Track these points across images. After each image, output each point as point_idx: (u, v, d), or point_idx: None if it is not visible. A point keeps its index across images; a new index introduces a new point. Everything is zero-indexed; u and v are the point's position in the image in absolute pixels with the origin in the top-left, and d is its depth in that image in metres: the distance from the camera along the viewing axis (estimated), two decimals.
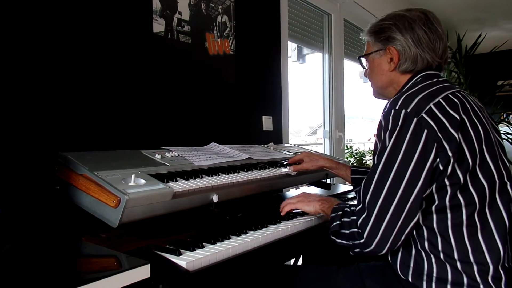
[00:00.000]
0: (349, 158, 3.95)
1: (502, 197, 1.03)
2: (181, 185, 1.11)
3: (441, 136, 0.97)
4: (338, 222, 1.08)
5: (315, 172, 1.65)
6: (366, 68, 1.32)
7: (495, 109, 4.76)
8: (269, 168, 1.50)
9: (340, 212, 1.09)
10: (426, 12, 1.19)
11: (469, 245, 0.99)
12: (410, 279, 1.04)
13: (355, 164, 3.90)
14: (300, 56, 3.16)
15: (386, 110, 1.04)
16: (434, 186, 0.99)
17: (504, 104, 4.93)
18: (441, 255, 1.00)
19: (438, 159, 0.97)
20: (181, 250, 0.94)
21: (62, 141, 1.27)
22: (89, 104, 1.36)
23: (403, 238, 0.99)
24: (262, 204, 1.48)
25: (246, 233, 1.12)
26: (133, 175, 1.04)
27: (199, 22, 1.78)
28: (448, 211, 1.00)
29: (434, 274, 1.01)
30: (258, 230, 1.16)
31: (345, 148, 3.52)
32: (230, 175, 1.30)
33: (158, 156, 1.29)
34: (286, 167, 1.57)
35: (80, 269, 0.83)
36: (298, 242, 1.25)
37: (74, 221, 1.11)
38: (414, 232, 1.04)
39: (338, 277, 1.16)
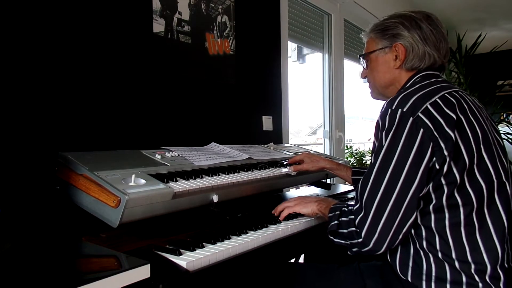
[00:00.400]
0: (349, 158, 3.95)
1: (500, 197, 1.02)
2: (181, 185, 1.11)
3: (437, 135, 0.97)
4: (336, 222, 1.08)
5: (317, 172, 1.65)
6: (366, 67, 1.31)
7: (495, 109, 4.76)
8: (269, 168, 1.50)
9: (338, 212, 1.10)
10: (429, 14, 1.20)
11: (467, 244, 0.99)
12: (409, 279, 1.04)
13: (355, 164, 3.90)
14: (300, 56, 3.16)
15: (383, 109, 1.05)
16: (431, 185, 1.00)
17: (504, 104, 4.93)
18: (439, 254, 1.00)
19: (434, 158, 0.97)
20: (181, 250, 0.94)
21: (62, 141, 1.27)
22: (89, 104, 1.36)
23: (400, 237, 0.99)
24: (262, 204, 1.48)
25: (246, 233, 1.12)
26: (133, 175, 1.04)
27: (199, 22, 1.78)
28: (446, 211, 1.00)
29: (433, 274, 1.01)
30: (258, 230, 1.16)
31: (345, 148, 3.52)
32: (230, 175, 1.30)
33: (158, 156, 1.29)
34: (286, 167, 1.57)
35: (80, 269, 0.83)
36: (298, 242, 1.25)
37: (74, 221, 1.10)
38: (413, 232, 1.04)
39: (339, 276, 1.16)
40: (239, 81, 2.00)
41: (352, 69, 3.42)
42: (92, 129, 1.36)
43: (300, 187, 2.08)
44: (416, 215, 1.01)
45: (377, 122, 1.05)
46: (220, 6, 1.90)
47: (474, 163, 1.00)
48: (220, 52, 1.89)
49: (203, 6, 1.80)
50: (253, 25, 2.13)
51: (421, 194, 0.99)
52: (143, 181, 1.04)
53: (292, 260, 1.77)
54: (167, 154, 1.33)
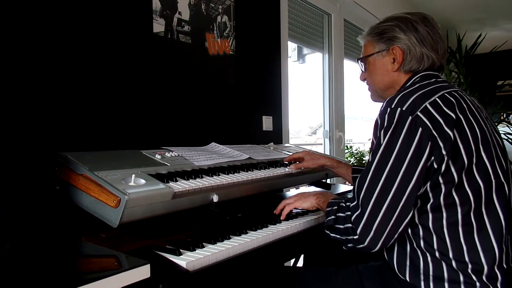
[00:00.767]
0: (349, 158, 3.95)
1: (499, 197, 1.02)
2: (181, 185, 1.11)
3: (436, 135, 0.97)
4: (333, 217, 1.09)
5: (315, 171, 1.65)
6: (364, 70, 1.31)
7: (495, 109, 4.76)
8: (269, 168, 1.50)
9: (336, 207, 1.10)
10: (426, 15, 1.20)
11: (464, 244, 0.99)
12: (408, 279, 1.04)
13: (355, 164, 3.90)
14: (300, 56, 3.16)
15: (382, 108, 1.05)
16: (428, 184, 1.00)
17: (504, 104, 4.93)
18: (437, 254, 1.00)
19: (432, 157, 0.97)
20: (181, 250, 0.94)
21: (62, 141, 1.27)
22: (89, 104, 1.36)
23: (396, 235, 0.99)
24: (262, 204, 1.48)
25: (246, 233, 1.12)
26: (133, 175, 1.04)
27: (199, 22, 1.78)
28: (443, 210, 1.00)
29: (431, 273, 1.01)
30: (258, 230, 1.16)
31: (345, 148, 3.52)
32: (230, 175, 1.30)
33: (158, 156, 1.29)
34: (286, 167, 1.57)
35: (80, 269, 0.83)
36: (298, 242, 1.25)
37: (74, 221, 1.10)
38: (410, 231, 1.04)
39: (337, 279, 1.17)
40: (239, 81, 2.00)
41: (352, 69, 3.42)
42: (92, 129, 1.36)
43: (300, 187, 2.08)
44: (413, 214, 1.01)
45: (376, 120, 1.06)
46: (220, 6, 1.90)
47: (473, 162, 1.00)
48: (220, 52, 1.89)
49: (203, 6, 1.80)
50: (253, 25, 2.13)
51: (418, 193, 0.99)
52: (143, 181, 1.04)
53: (292, 261, 1.78)
54: (167, 154, 1.33)
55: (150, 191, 1.01)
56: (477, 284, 0.98)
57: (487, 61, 5.03)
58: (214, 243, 1.02)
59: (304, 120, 4.01)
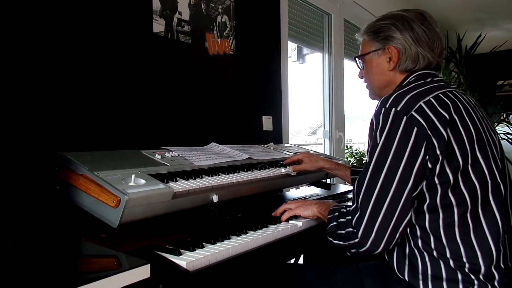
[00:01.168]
0: (349, 158, 3.95)
1: (495, 197, 1.02)
2: (181, 185, 1.11)
3: (430, 134, 0.97)
4: (334, 223, 1.09)
5: (316, 172, 1.65)
6: (362, 68, 1.31)
7: (495, 109, 4.76)
8: (269, 168, 1.50)
9: (337, 213, 1.10)
10: (422, 13, 1.19)
11: (461, 245, 0.99)
12: (406, 278, 1.04)
13: (355, 164, 3.90)
14: (300, 56, 3.16)
15: (377, 108, 1.05)
16: (424, 184, 0.99)
17: (504, 104, 4.93)
18: (434, 253, 1.00)
19: (427, 157, 0.97)
20: (181, 250, 0.94)
21: (62, 141, 1.27)
22: (89, 104, 1.36)
23: (397, 236, 0.99)
24: (262, 204, 1.48)
25: (246, 233, 1.12)
26: (133, 175, 1.04)
27: (199, 22, 1.78)
28: (440, 211, 1.00)
29: (429, 272, 1.01)
30: (258, 230, 1.16)
31: (345, 148, 3.52)
32: (230, 175, 1.30)
33: (158, 156, 1.29)
34: (286, 167, 1.57)
35: (80, 269, 0.83)
36: (298, 242, 1.25)
37: (74, 221, 1.11)
38: (408, 231, 1.04)
39: (337, 277, 1.17)
40: (239, 81, 2.00)
41: (352, 69, 3.42)
42: (92, 129, 1.36)
43: (300, 187, 2.08)
44: (411, 215, 1.01)
45: (371, 121, 1.05)
46: (220, 6, 1.90)
47: (468, 163, 1.00)
48: (220, 52, 1.89)
49: (203, 6, 1.80)
50: (253, 25, 2.13)
51: (415, 194, 0.99)
52: (143, 181, 1.04)
53: (292, 261, 1.78)
54: (167, 154, 1.33)
55: (150, 191, 1.01)
56: (475, 282, 0.98)
57: (487, 61, 5.03)
58: (214, 243, 1.02)
59: (304, 120, 4.00)
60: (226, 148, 1.61)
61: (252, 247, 1.06)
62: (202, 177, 1.21)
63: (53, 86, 1.26)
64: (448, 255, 0.99)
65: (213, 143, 1.66)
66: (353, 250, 1.05)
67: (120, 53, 1.46)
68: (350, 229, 1.02)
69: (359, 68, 1.33)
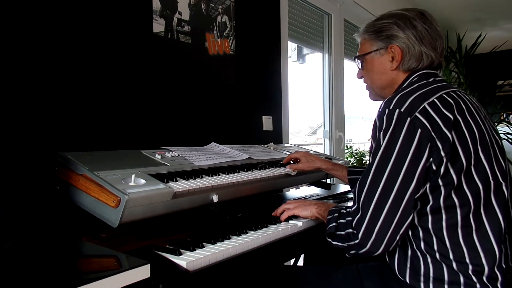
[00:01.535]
0: (349, 158, 3.95)
1: (497, 198, 1.02)
2: (181, 185, 1.11)
3: (434, 136, 0.96)
4: (334, 224, 1.08)
5: (314, 172, 1.65)
6: (361, 69, 1.30)
7: (495, 109, 4.77)
8: (269, 168, 1.50)
9: (336, 214, 1.09)
10: (423, 12, 1.19)
11: (464, 245, 0.99)
12: (408, 281, 1.04)
13: (355, 164, 3.90)
14: (300, 56, 3.16)
15: (380, 109, 1.04)
16: (428, 186, 0.99)
17: (504, 104, 4.94)
18: (437, 255, 1.00)
19: (431, 159, 0.97)
20: (181, 250, 0.94)
21: (62, 141, 1.27)
22: (89, 104, 1.36)
23: (398, 238, 0.98)
24: (262, 204, 1.48)
25: (246, 233, 1.12)
26: (133, 175, 1.04)
27: (199, 22, 1.78)
28: (443, 212, 1.00)
29: (431, 275, 1.01)
30: (258, 230, 1.15)
31: (345, 148, 3.52)
32: (230, 175, 1.30)
33: (158, 156, 1.29)
34: (286, 167, 1.57)
35: (80, 269, 0.83)
36: (298, 242, 1.25)
37: (74, 221, 1.11)
38: (410, 233, 1.04)
39: (337, 278, 1.16)
40: (239, 81, 2.00)
41: (352, 69, 3.42)
42: (92, 129, 1.36)
43: (300, 187, 2.08)
44: (413, 216, 1.00)
45: (375, 122, 1.05)
46: (220, 6, 1.90)
47: (471, 164, 1.00)
48: (220, 52, 1.89)
49: (203, 6, 1.80)
50: (253, 25, 2.13)
51: (417, 195, 0.98)
52: (143, 181, 1.04)
53: (292, 261, 1.78)
54: (167, 154, 1.33)
55: (150, 191, 1.01)
56: (477, 285, 0.98)
57: (487, 61, 5.03)
58: (214, 243, 1.02)
59: (304, 120, 4.01)
60: (226, 148, 1.61)
61: (252, 247, 1.06)
62: (202, 177, 1.21)
63: (53, 86, 1.26)
64: (451, 256, 0.99)
65: (213, 143, 1.66)
66: (352, 252, 1.03)
67: (120, 53, 1.46)
68: (350, 230, 1.01)
69: (358, 68, 1.32)
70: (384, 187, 0.97)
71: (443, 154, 0.96)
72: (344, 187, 2.00)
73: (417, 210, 1.01)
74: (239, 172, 1.36)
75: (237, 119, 1.99)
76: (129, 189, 0.97)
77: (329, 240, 1.10)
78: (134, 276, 0.75)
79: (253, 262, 1.07)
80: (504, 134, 4.55)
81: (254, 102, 2.12)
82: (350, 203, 1.58)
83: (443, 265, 0.99)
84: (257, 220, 1.23)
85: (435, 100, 1.01)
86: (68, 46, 1.30)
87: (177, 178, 1.14)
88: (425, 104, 1.00)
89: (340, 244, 1.06)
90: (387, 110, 1.01)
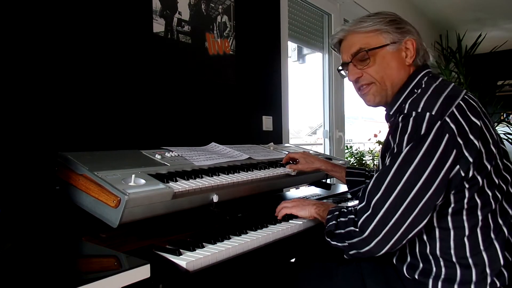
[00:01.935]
0: (349, 158, 3.95)
1: (508, 196, 1.04)
2: (181, 185, 1.11)
3: (460, 142, 0.94)
4: (334, 222, 1.06)
5: (312, 173, 1.65)
6: (366, 66, 1.16)
7: (495, 109, 4.77)
8: (269, 168, 1.50)
9: (337, 213, 1.08)
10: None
11: (482, 244, 0.99)
12: (416, 277, 1.04)
13: (355, 164, 3.90)
14: (300, 56, 3.16)
15: (405, 111, 0.99)
16: (452, 191, 0.97)
17: (504, 104, 4.94)
18: (452, 255, 1.00)
19: (458, 166, 0.95)
20: (181, 250, 0.94)
21: (62, 141, 1.27)
22: (89, 104, 1.36)
23: (404, 242, 0.96)
24: (262, 204, 1.48)
25: (246, 233, 1.12)
26: (133, 175, 1.04)
27: (199, 22, 1.78)
28: (464, 213, 0.99)
29: (442, 276, 1.01)
30: (258, 230, 1.15)
31: (345, 148, 3.52)
32: (230, 175, 1.30)
33: (158, 156, 1.29)
34: (285, 167, 1.57)
35: (80, 269, 0.83)
36: (298, 242, 1.25)
37: (74, 221, 1.11)
38: (425, 236, 1.03)
39: (338, 276, 1.16)
40: (239, 81, 2.00)
41: None
42: (92, 129, 1.36)
43: (300, 187, 2.08)
44: (430, 218, 0.98)
45: (397, 123, 1.00)
46: (220, 6, 1.90)
47: (492, 165, 0.99)
48: (220, 52, 1.89)
49: (203, 6, 1.80)
50: (253, 25, 2.13)
51: (434, 202, 0.95)
52: (143, 181, 1.04)
53: (292, 260, 1.78)
54: (167, 154, 1.33)
55: (150, 191, 1.01)
56: (488, 279, 0.98)
57: (487, 61, 5.03)
58: (214, 243, 1.02)
59: (304, 120, 4.00)
60: (226, 148, 1.61)
61: (252, 247, 1.06)
62: (202, 177, 1.21)
63: (53, 86, 1.26)
64: (467, 254, 0.99)
65: (213, 143, 1.66)
66: (352, 252, 1.02)
67: (120, 53, 1.46)
68: (352, 228, 1.00)
69: (354, 66, 1.18)
70: (402, 189, 0.94)
71: (471, 160, 0.95)
72: (344, 187, 2.00)
73: (436, 212, 1.00)
74: (239, 172, 1.36)
75: (237, 119, 1.99)
76: (129, 189, 0.97)
77: (328, 239, 1.09)
78: (134, 276, 0.75)
79: (253, 262, 1.07)
80: (504, 134, 4.55)
81: (254, 102, 2.12)
82: (350, 203, 1.59)
83: (457, 265, 0.99)
84: (257, 220, 1.23)
85: (461, 102, 0.99)
86: (68, 46, 1.30)
87: (177, 178, 1.14)
88: (453, 107, 0.97)
89: (340, 243, 1.05)
90: (414, 112, 0.97)
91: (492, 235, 1.00)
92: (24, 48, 1.19)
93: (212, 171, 1.29)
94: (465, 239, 0.99)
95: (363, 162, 4.05)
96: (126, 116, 1.47)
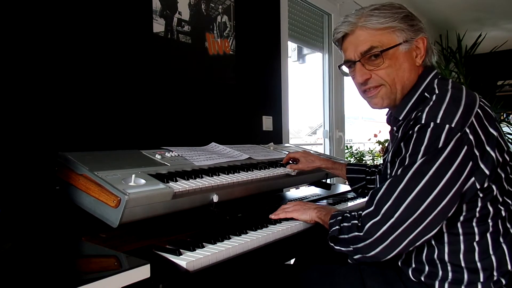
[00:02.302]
0: (349, 158, 3.95)
1: None
2: (181, 185, 1.11)
3: (477, 153, 0.93)
4: (337, 227, 1.05)
5: (313, 172, 1.65)
6: (376, 66, 1.08)
7: (495, 109, 4.76)
8: (269, 168, 1.50)
9: (340, 218, 1.07)
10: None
11: (492, 249, 0.98)
12: (422, 279, 1.04)
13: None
14: (300, 56, 3.16)
15: (422, 121, 0.95)
16: (466, 201, 0.96)
17: (504, 104, 4.93)
18: (461, 260, 0.99)
19: (473, 178, 0.94)
20: (181, 250, 0.94)
21: (62, 141, 1.27)
22: (89, 104, 1.36)
23: (411, 248, 0.96)
24: (262, 204, 1.48)
25: (246, 233, 1.12)
26: (133, 175, 1.04)
27: (199, 22, 1.78)
28: (475, 220, 0.99)
29: (449, 279, 1.00)
30: (258, 230, 1.15)
31: (345, 148, 3.52)
32: (230, 175, 1.30)
33: (158, 156, 1.29)
34: (286, 167, 1.57)
35: (80, 269, 0.83)
36: (298, 242, 1.25)
37: (74, 221, 1.11)
38: (433, 241, 1.02)
39: (339, 277, 1.16)
40: (239, 81, 2.00)
41: None
42: (92, 129, 1.36)
43: (300, 187, 2.08)
44: (442, 224, 0.97)
45: (412, 133, 0.97)
46: (220, 6, 1.90)
47: (505, 173, 0.99)
48: (220, 52, 1.89)
49: (203, 6, 1.80)
50: (253, 25, 2.13)
51: (446, 212, 0.94)
52: (143, 181, 1.04)
53: (292, 260, 1.78)
54: (167, 154, 1.33)
55: (150, 191, 1.01)
56: (495, 277, 0.98)
57: (487, 61, 5.03)
58: (214, 243, 1.02)
59: (304, 120, 4.01)
60: (226, 148, 1.61)
61: (252, 247, 1.05)
62: (202, 177, 1.21)
63: (53, 86, 1.26)
64: (476, 258, 0.98)
65: (213, 143, 1.66)
66: (356, 256, 1.01)
67: (120, 53, 1.46)
68: (356, 233, 0.99)
69: (362, 66, 1.10)
70: (415, 199, 0.92)
71: (487, 173, 0.94)
72: (344, 187, 2.00)
73: (448, 218, 0.98)
74: (239, 172, 1.36)
75: (237, 119, 1.99)
76: (129, 189, 0.97)
77: (332, 244, 1.08)
78: (134, 276, 0.75)
79: (253, 262, 1.07)
80: (504, 134, 4.55)
81: (254, 102, 2.12)
82: (350, 203, 1.59)
83: (465, 270, 0.99)
84: (257, 220, 1.23)
85: (478, 110, 0.96)
86: (68, 46, 1.30)
87: (177, 178, 1.14)
88: (472, 118, 0.94)
89: (344, 248, 1.04)
90: (432, 123, 0.93)
91: (501, 239, 0.99)
92: (24, 48, 1.19)
93: (212, 171, 1.29)
94: (475, 244, 0.99)
95: (363, 162, 4.05)
96: (126, 116, 1.47)
